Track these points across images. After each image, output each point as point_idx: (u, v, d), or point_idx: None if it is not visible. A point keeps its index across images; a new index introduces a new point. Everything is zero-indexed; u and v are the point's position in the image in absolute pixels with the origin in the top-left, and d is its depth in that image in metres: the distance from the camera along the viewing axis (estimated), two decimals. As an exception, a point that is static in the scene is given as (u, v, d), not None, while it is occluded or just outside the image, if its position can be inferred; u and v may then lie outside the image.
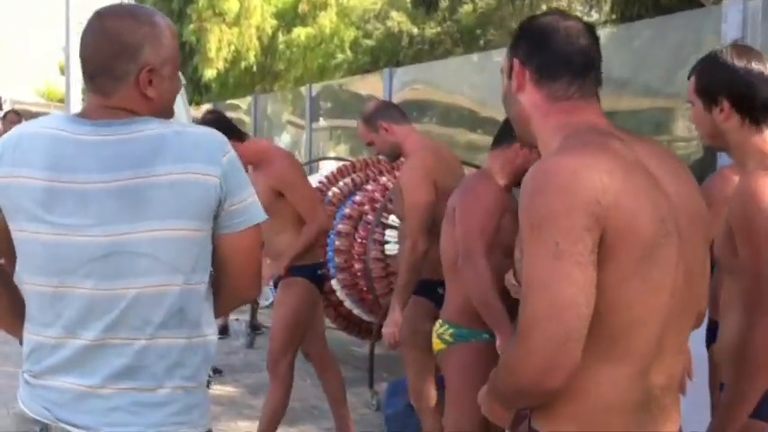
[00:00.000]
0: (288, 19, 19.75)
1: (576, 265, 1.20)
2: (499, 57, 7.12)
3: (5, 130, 6.13)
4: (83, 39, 1.52)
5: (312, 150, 8.74)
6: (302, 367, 5.26)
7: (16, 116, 6.89)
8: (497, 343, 2.70)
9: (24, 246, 1.48)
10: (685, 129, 5.09)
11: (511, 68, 1.46)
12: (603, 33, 8.07)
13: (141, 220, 1.41)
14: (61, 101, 20.20)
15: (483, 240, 2.71)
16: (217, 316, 1.59)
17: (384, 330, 3.29)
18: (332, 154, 8.80)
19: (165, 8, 21.33)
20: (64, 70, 26.72)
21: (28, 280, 1.50)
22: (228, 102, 13.25)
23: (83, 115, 1.51)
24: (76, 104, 17.09)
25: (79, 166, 1.44)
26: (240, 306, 1.69)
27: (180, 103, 7.58)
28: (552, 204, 1.23)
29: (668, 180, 1.34)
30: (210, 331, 1.54)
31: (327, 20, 18.78)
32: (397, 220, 4.59)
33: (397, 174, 5.09)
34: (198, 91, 18.95)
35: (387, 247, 4.66)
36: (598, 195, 1.22)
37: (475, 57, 9.99)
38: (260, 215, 1.53)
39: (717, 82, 1.87)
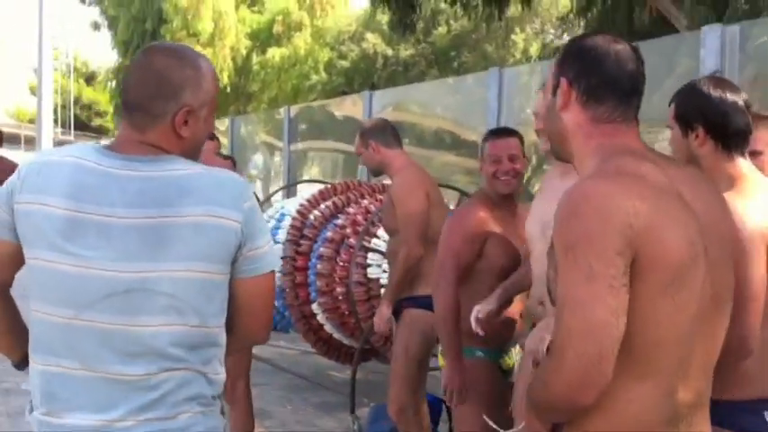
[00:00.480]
0: (262, 39, 19.80)
1: (608, 288, 1.25)
2: (474, 80, 7.20)
3: None
4: (128, 72, 1.55)
5: (290, 173, 8.71)
6: (284, 395, 5.22)
7: None
8: (443, 369, 2.79)
9: (40, 274, 1.45)
10: (661, 151, 5.16)
11: (556, 86, 1.49)
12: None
13: (163, 260, 1.41)
14: (31, 121, 20.02)
15: (453, 268, 2.81)
16: (226, 356, 1.58)
17: (375, 320, 3.43)
18: (306, 176, 8.79)
19: (138, 29, 21.32)
20: (34, 91, 26.53)
21: (39, 308, 1.47)
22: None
23: (113, 148, 1.52)
24: (48, 126, 16.97)
25: (104, 198, 1.43)
26: (249, 346, 1.71)
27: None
28: (587, 227, 1.28)
29: (699, 203, 1.38)
30: (223, 371, 1.55)
31: (302, 41, 18.86)
32: (381, 244, 4.59)
33: (378, 197, 5.10)
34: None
35: (369, 270, 4.62)
36: (631, 219, 1.26)
37: (450, 80, 10.07)
38: (276, 262, 1.57)
39: (694, 109, 1.97)
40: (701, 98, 1.95)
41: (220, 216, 1.44)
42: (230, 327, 1.55)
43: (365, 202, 5.04)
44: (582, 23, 9.35)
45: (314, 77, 17.89)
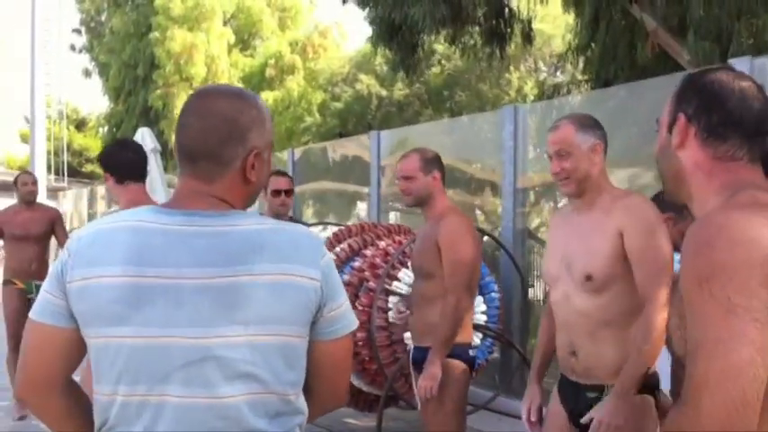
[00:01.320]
0: (255, 83, 19.83)
1: (752, 322, 1.10)
2: (486, 118, 7.16)
3: (23, 195, 5.92)
4: (183, 120, 1.40)
5: (295, 215, 8.59)
6: None
7: (29, 176, 6.32)
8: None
9: (105, 353, 1.31)
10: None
11: (672, 123, 1.39)
12: (579, 97, 8.17)
13: (239, 323, 1.28)
14: (21, 168, 19.87)
15: None
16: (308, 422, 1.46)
17: (421, 383, 3.18)
18: (303, 219, 8.68)
19: (130, 75, 21.33)
20: (25, 138, 26.38)
21: (109, 391, 1.32)
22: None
23: (172, 204, 1.39)
24: (41, 173, 16.80)
25: (169, 259, 1.30)
26: (330, 412, 1.58)
27: (155, 168, 7.41)
28: (723, 257, 1.14)
29: None
30: None
31: (295, 83, 18.92)
32: (403, 287, 4.46)
33: (396, 237, 4.98)
34: (163, 156, 18.76)
35: (390, 314, 4.50)
36: None
37: (455, 119, 10.06)
38: (355, 321, 1.45)
39: None
40: None
41: (298, 274, 1.31)
42: (308, 391, 1.42)
43: (382, 243, 4.92)
44: (581, 60, 9.36)
45: (308, 119, 17.86)
